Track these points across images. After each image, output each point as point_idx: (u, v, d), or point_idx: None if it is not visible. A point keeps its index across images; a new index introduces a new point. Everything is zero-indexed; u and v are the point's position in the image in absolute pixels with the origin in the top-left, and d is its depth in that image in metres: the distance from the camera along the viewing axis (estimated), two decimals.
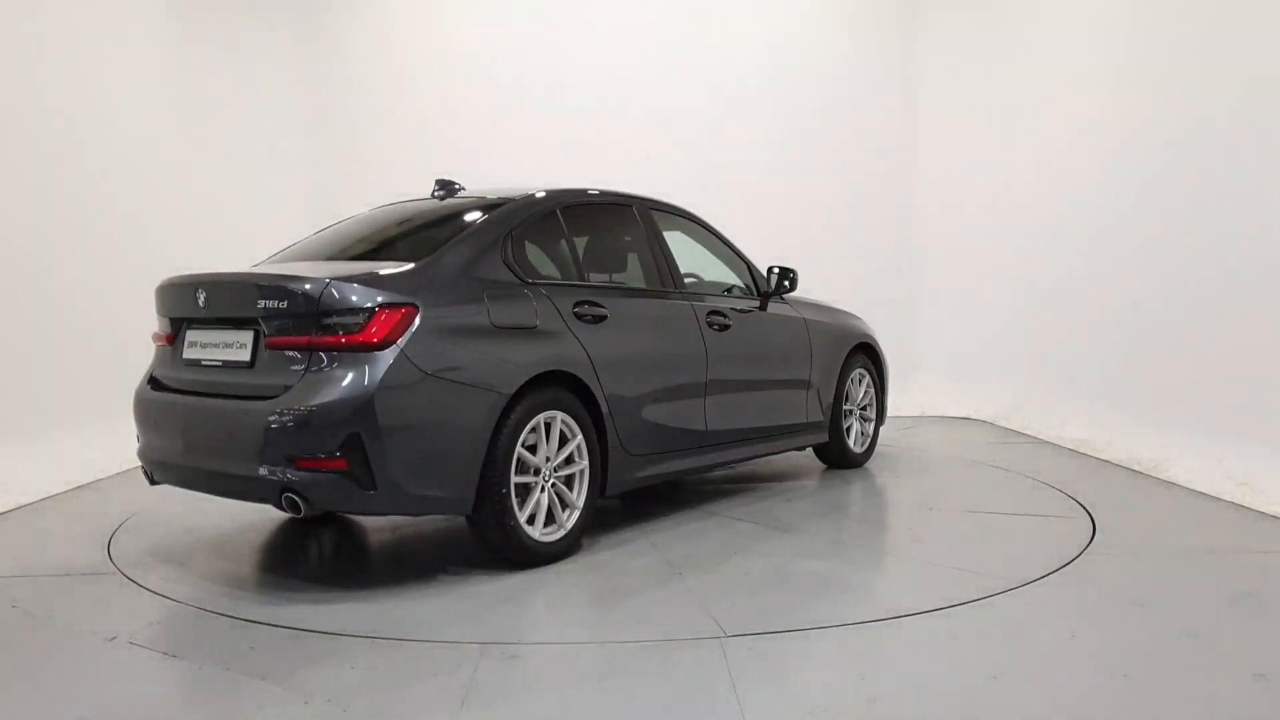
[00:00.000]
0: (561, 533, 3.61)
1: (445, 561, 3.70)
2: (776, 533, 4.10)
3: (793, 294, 5.23)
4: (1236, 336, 5.04)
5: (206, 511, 4.55)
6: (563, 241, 4.08)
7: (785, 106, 8.51)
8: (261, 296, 3.25)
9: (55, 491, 5.04)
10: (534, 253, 3.91)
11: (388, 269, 3.40)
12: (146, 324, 4.07)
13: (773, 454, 5.19)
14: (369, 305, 3.16)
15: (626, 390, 3.92)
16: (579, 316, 3.79)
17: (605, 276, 4.41)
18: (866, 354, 5.67)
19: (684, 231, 4.91)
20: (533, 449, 3.52)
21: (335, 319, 3.14)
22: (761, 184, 8.44)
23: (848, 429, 5.50)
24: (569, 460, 3.67)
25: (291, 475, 3.08)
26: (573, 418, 3.65)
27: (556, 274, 4.01)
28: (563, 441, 3.65)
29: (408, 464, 3.16)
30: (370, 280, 3.26)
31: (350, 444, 3.05)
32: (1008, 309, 7.72)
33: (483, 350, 3.37)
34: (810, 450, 5.58)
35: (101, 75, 6.33)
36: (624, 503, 4.72)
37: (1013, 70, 7.76)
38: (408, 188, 4.62)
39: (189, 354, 3.57)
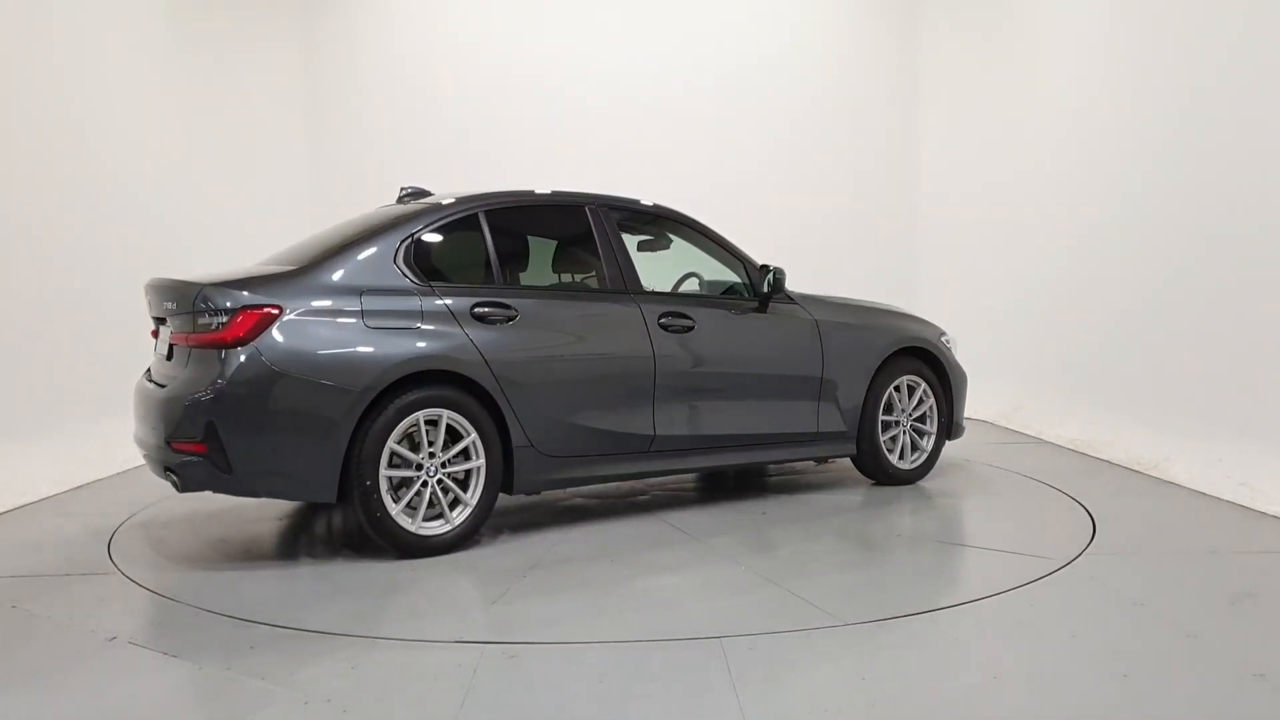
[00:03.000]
0: (447, 527, 3.76)
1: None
2: (694, 547, 3.89)
3: (830, 293, 5.04)
4: (1236, 336, 5.04)
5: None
6: (479, 245, 4.11)
7: (785, 105, 8.51)
8: (164, 299, 3.78)
9: (55, 491, 5.05)
10: (442, 256, 4.04)
11: (263, 274, 3.73)
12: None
13: (765, 464, 4.95)
14: (232, 307, 3.53)
15: (537, 391, 3.95)
16: (479, 318, 3.87)
17: (532, 278, 4.43)
18: (924, 359, 5.13)
19: (671, 233, 4.80)
20: (419, 445, 3.72)
21: (207, 319, 3.56)
22: (763, 183, 8.45)
23: (890, 441, 5.00)
24: (468, 456, 3.81)
25: (170, 456, 3.54)
26: (465, 416, 3.77)
27: (466, 276, 4.08)
28: (458, 439, 3.79)
29: (261, 452, 3.50)
30: (235, 284, 3.61)
31: (208, 431, 3.45)
32: (1008, 309, 7.72)
33: (348, 350, 3.60)
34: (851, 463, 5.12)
35: (102, 77, 6.33)
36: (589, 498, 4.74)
37: (1014, 71, 7.75)
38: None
39: (158, 348, 4.05)
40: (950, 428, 5.25)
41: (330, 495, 3.59)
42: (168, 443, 3.52)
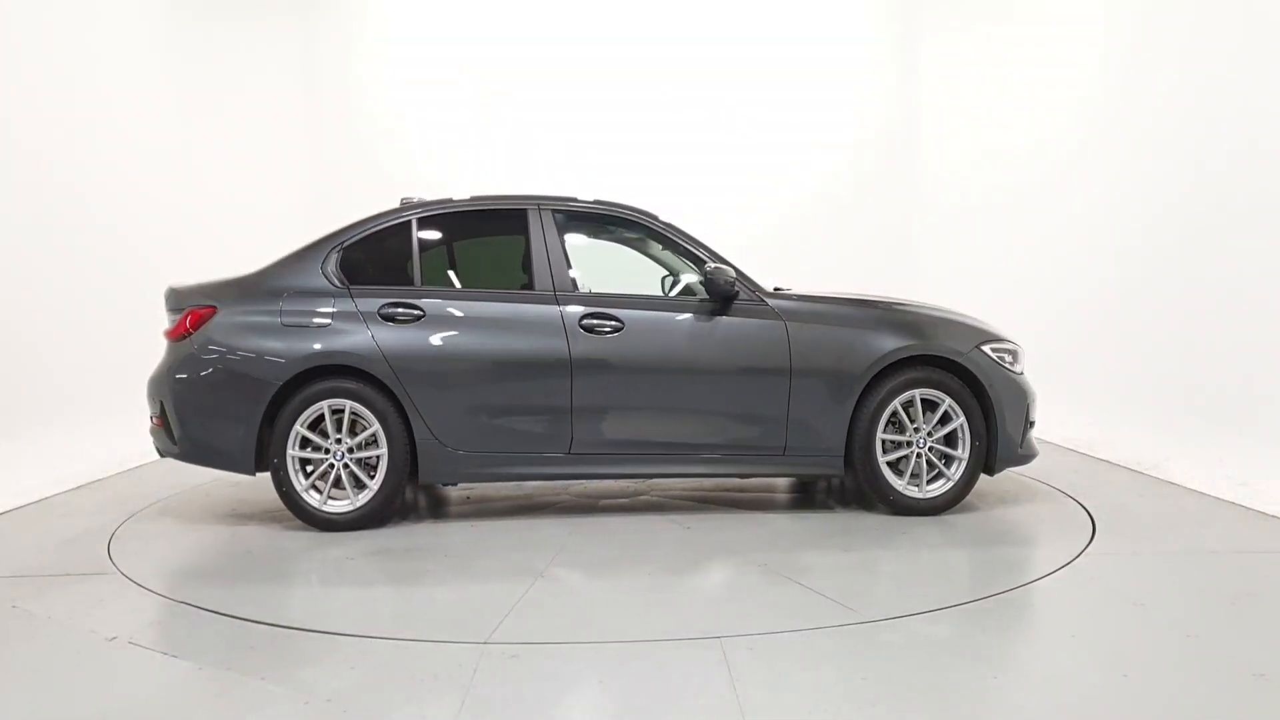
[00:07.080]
0: (350, 507, 4.18)
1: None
2: (561, 553, 3.77)
3: (845, 292, 4.68)
4: (1237, 337, 5.04)
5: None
6: (406, 250, 4.39)
7: (784, 103, 8.52)
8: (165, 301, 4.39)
9: (55, 491, 5.05)
10: (368, 261, 4.37)
11: (215, 281, 4.29)
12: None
13: (716, 477, 4.51)
14: (182, 307, 4.24)
15: (440, 387, 4.18)
16: (387, 318, 4.19)
17: (457, 280, 4.53)
18: (953, 371, 4.36)
19: (631, 232, 4.65)
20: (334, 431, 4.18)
21: (173, 316, 4.28)
22: (763, 182, 8.46)
23: (897, 463, 4.35)
24: (379, 445, 4.18)
25: (151, 426, 4.36)
26: (370, 408, 4.14)
27: (388, 280, 4.34)
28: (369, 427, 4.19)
29: (194, 429, 4.18)
30: (188, 289, 4.29)
31: (161, 408, 4.22)
32: (1008, 310, 7.70)
33: (261, 345, 4.13)
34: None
35: (103, 79, 6.33)
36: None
37: (1014, 72, 7.76)
38: (410, 192, 4.71)
39: None
40: (992, 453, 4.37)
41: (249, 469, 4.15)
42: (151, 417, 4.33)
